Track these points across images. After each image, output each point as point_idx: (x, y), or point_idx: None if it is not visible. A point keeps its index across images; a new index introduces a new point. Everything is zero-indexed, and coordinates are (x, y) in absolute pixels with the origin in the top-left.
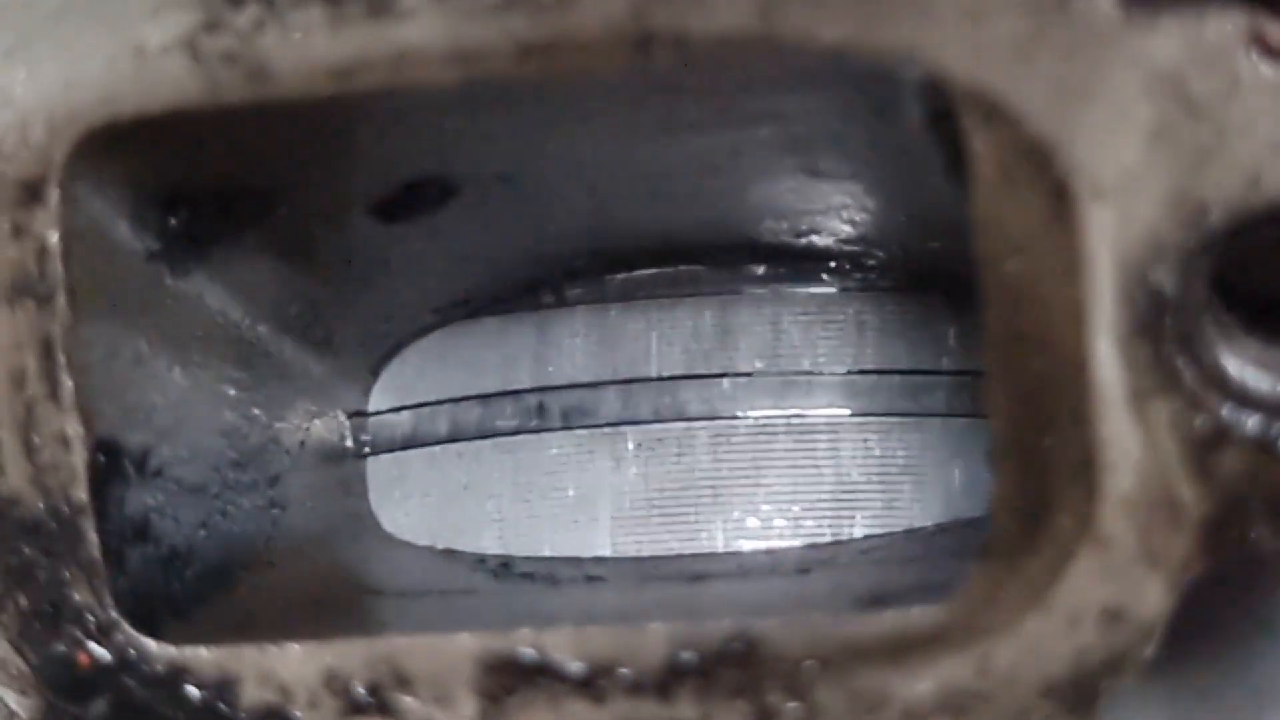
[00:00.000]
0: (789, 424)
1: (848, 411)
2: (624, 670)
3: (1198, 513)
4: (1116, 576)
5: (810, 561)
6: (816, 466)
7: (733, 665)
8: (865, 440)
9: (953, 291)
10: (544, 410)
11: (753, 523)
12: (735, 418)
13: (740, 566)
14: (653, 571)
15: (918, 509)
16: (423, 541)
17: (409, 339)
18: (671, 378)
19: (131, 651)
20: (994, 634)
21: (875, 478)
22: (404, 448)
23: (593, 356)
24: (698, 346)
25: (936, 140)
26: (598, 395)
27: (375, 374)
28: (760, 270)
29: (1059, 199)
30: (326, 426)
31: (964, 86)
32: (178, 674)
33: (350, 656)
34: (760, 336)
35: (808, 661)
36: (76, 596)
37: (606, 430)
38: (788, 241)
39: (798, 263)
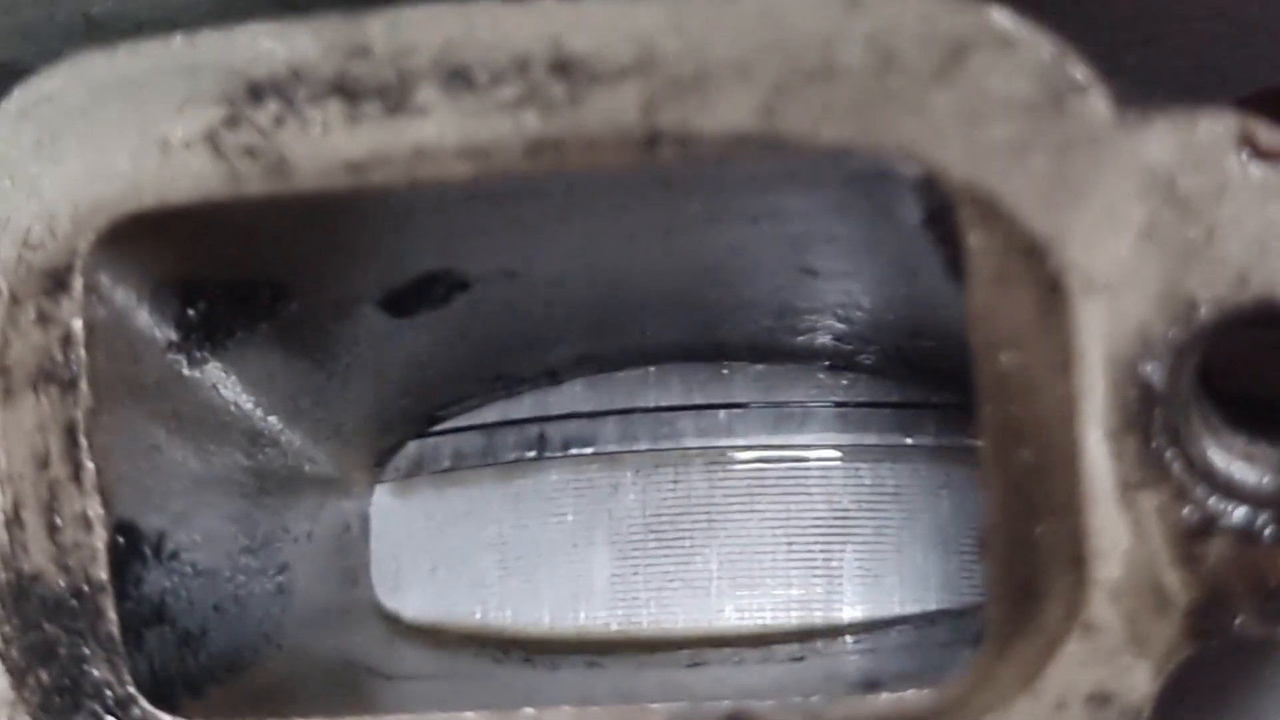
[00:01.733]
0: (783, 453)
1: (840, 441)
2: None
3: (1184, 600)
4: (1104, 662)
5: (804, 650)
6: (809, 494)
7: None
8: (857, 469)
9: (942, 386)
10: (545, 440)
11: (747, 547)
12: (731, 447)
13: (736, 655)
14: (649, 660)
15: (906, 535)
16: (425, 582)
17: (414, 432)
18: (670, 408)
19: None
20: (984, 717)
21: (866, 505)
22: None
23: (591, 387)
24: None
25: (933, 238)
26: (596, 425)
27: (382, 464)
28: (759, 368)
29: (1052, 294)
30: (333, 515)
31: (960, 185)
32: None
33: None
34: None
35: None
36: (96, 673)
37: (605, 458)
38: (784, 340)
39: (794, 361)
